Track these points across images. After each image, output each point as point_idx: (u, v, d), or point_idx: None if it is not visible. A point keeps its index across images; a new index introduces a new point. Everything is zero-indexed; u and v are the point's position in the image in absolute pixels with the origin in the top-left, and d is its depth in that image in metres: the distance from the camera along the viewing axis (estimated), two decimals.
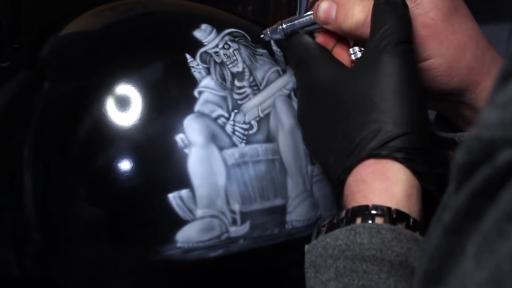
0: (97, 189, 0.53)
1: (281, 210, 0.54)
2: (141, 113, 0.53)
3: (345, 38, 0.55)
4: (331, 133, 0.50)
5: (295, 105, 0.56)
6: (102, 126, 0.53)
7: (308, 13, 0.55)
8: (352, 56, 0.54)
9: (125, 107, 0.53)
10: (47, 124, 0.55)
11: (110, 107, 0.53)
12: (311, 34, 0.55)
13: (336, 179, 0.49)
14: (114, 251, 0.53)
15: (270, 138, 0.54)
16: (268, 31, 0.56)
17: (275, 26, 0.56)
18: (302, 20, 0.55)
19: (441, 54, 0.54)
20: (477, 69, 0.55)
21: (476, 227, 0.28)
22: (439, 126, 0.59)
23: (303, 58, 0.54)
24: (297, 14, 0.56)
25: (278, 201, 0.54)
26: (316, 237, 0.47)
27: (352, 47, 0.54)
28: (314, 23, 0.55)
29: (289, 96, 0.57)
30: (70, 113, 0.55)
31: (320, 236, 0.46)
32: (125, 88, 0.53)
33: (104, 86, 0.54)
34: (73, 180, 0.54)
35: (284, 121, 0.55)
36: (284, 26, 0.55)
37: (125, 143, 0.52)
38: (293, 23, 0.55)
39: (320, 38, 0.55)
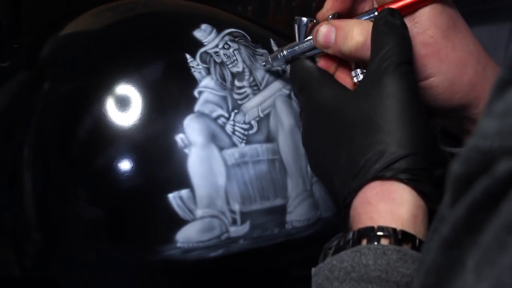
0: (97, 189, 0.53)
1: (281, 210, 0.54)
2: (141, 113, 0.53)
3: (347, 61, 0.54)
4: (336, 156, 0.49)
5: (295, 105, 0.56)
6: (102, 126, 0.53)
7: (308, 38, 0.54)
8: (354, 78, 0.53)
9: (125, 107, 0.53)
10: (47, 124, 0.55)
11: (110, 107, 0.53)
12: (313, 59, 0.55)
13: (342, 202, 0.49)
14: (114, 251, 0.53)
15: (270, 138, 0.54)
16: (269, 58, 0.56)
17: (276, 53, 0.56)
18: (303, 46, 0.55)
19: (442, 71, 0.53)
20: (479, 84, 0.54)
21: (475, 240, 0.27)
22: (444, 141, 0.59)
23: (306, 83, 0.53)
24: (297, 40, 0.55)
25: (278, 201, 0.54)
26: (323, 259, 0.47)
27: (354, 69, 0.54)
28: (314, 47, 0.54)
29: (289, 96, 0.57)
30: (70, 113, 0.55)
31: (326, 259, 0.46)
32: (125, 88, 0.53)
33: (104, 86, 0.54)
34: (73, 180, 0.54)
35: (284, 121, 0.55)
36: (285, 52, 0.55)
37: (125, 143, 0.52)
38: (293, 49, 0.55)
39: (321, 63, 0.55)
